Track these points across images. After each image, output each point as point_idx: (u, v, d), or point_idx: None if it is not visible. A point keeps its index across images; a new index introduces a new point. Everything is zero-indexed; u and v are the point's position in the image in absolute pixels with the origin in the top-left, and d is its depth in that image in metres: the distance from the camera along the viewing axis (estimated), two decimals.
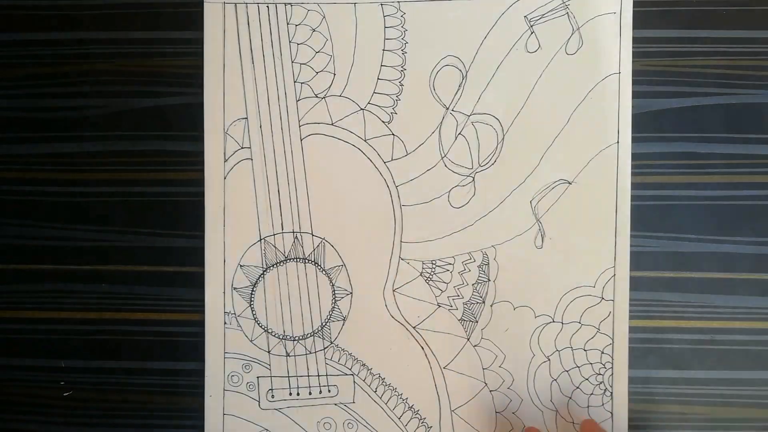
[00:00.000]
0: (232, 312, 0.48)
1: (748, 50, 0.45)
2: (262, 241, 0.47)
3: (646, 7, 0.43)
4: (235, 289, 0.47)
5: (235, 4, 0.46)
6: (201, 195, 0.45)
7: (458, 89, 0.45)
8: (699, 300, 0.45)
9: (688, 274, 0.45)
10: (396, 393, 0.45)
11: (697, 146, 0.45)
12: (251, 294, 0.48)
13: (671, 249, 0.44)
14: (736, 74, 0.45)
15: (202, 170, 0.45)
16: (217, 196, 0.45)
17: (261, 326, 0.48)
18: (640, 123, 0.46)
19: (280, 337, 0.48)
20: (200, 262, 0.46)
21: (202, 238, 0.44)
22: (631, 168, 0.45)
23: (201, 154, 0.45)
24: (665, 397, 0.44)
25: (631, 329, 0.46)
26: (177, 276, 0.46)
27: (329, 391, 0.48)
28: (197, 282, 0.46)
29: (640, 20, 0.43)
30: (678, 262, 0.45)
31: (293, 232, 0.46)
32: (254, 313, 0.48)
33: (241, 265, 0.47)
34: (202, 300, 0.47)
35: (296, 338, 0.48)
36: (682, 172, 0.44)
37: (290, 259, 0.47)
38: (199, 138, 0.44)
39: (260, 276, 0.46)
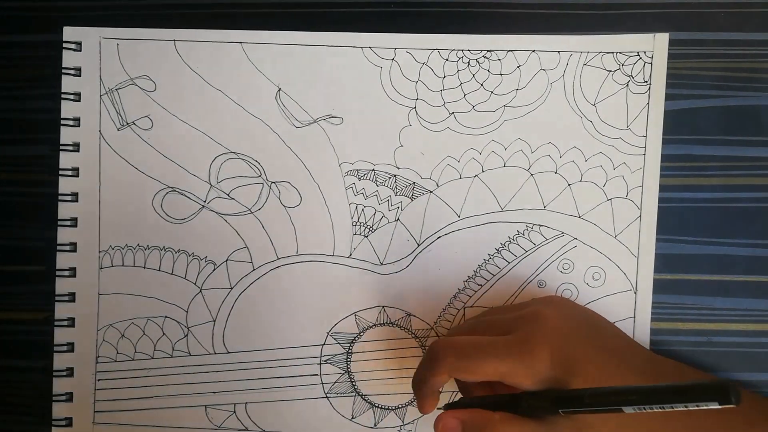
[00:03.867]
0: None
1: (746, 53, 0.43)
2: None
3: (645, 9, 0.44)
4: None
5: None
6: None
7: None
8: (696, 302, 0.43)
9: (684, 276, 0.43)
10: None
11: (694, 148, 0.43)
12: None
13: (668, 251, 0.44)
14: (734, 77, 0.43)
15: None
16: None
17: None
18: None
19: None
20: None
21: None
22: None
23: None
24: None
25: None
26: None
27: None
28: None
29: (638, 21, 0.44)
30: (674, 265, 0.43)
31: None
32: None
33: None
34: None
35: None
36: (678, 174, 0.43)
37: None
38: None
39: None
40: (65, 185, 0.43)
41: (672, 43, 0.43)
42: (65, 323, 0.43)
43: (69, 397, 0.43)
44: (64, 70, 0.43)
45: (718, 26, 0.43)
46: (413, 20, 0.43)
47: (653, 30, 0.43)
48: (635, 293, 0.43)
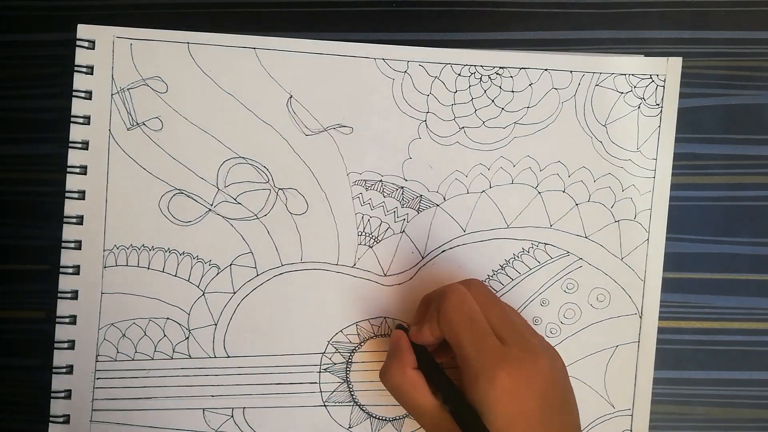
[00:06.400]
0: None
1: (749, 51, 0.44)
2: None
3: (646, 8, 0.44)
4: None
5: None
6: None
7: None
8: (698, 301, 0.43)
9: (687, 274, 0.43)
10: None
11: (697, 147, 0.43)
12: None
13: (671, 250, 0.44)
14: (737, 75, 0.43)
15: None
16: None
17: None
18: None
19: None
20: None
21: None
22: None
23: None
24: (664, 398, 0.44)
25: None
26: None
27: None
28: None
29: (640, 21, 0.44)
30: (677, 263, 0.43)
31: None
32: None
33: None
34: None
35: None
36: (682, 172, 0.44)
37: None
38: None
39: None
40: (73, 183, 0.43)
41: (675, 41, 0.43)
42: (67, 320, 0.43)
43: (67, 394, 0.43)
44: (76, 68, 0.43)
45: (720, 25, 0.43)
46: (414, 19, 0.43)
47: (653, 28, 0.43)
48: (641, 317, 0.43)
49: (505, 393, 0.33)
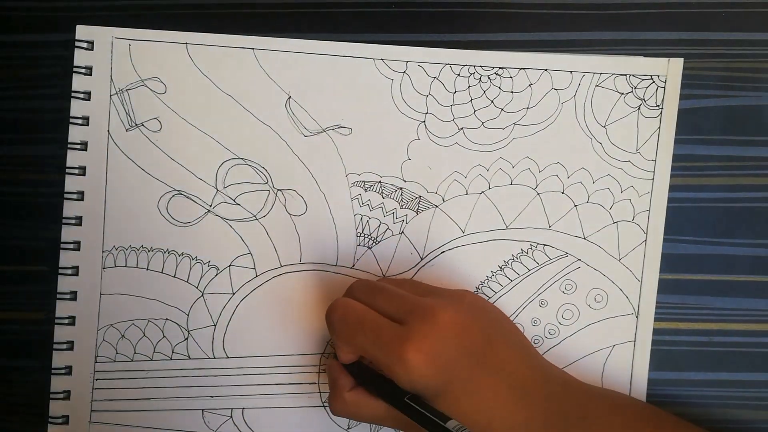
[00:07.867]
0: None
1: (748, 52, 0.44)
2: None
3: (646, 9, 0.43)
4: None
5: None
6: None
7: None
8: (697, 302, 0.43)
9: (686, 276, 0.43)
10: None
11: (695, 148, 0.43)
12: None
13: (670, 251, 0.44)
14: (736, 76, 0.43)
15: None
16: None
17: None
18: None
19: None
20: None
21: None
22: None
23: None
24: (663, 399, 0.44)
25: None
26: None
27: None
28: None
29: (639, 22, 0.44)
30: (676, 264, 0.43)
31: None
32: None
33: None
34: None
35: None
36: (680, 174, 0.44)
37: None
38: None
39: None
40: (71, 184, 0.43)
41: (673, 42, 0.43)
42: (66, 321, 0.43)
43: (66, 395, 0.43)
44: (75, 69, 0.43)
45: (719, 26, 0.43)
46: (414, 20, 0.43)
47: (653, 30, 0.43)
48: (637, 317, 0.43)
49: (423, 367, 0.34)
